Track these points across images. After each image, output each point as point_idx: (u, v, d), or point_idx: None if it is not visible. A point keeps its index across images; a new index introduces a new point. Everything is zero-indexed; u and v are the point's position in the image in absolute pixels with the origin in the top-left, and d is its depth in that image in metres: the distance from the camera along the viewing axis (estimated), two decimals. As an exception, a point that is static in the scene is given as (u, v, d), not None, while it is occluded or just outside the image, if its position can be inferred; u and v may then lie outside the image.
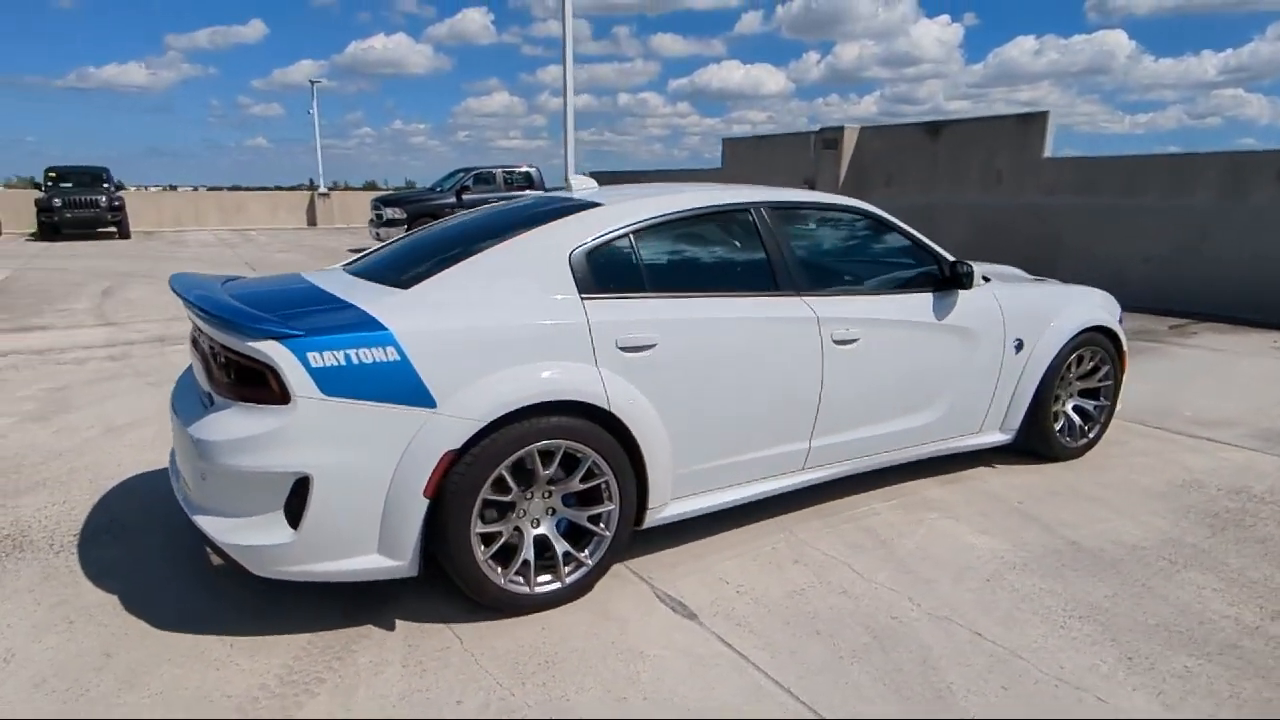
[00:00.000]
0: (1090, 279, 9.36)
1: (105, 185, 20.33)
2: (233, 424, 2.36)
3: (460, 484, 2.47)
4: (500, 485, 2.57)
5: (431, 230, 3.46)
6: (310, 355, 2.31)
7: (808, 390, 3.16)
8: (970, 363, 3.65)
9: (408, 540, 2.45)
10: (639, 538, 3.11)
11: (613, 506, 2.77)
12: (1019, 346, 3.80)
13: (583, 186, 3.47)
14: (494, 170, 16.75)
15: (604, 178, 16.25)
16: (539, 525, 2.73)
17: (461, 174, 16.69)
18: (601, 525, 2.78)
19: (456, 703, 2.23)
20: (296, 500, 2.35)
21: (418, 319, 2.48)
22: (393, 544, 2.45)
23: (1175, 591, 2.82)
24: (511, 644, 2.51)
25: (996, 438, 3.91)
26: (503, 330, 2.56)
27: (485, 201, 15.01)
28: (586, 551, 2.78)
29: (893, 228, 3.60)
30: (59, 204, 18.94)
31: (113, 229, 19.65)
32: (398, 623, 2.62)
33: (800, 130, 13.96)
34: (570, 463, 2.69)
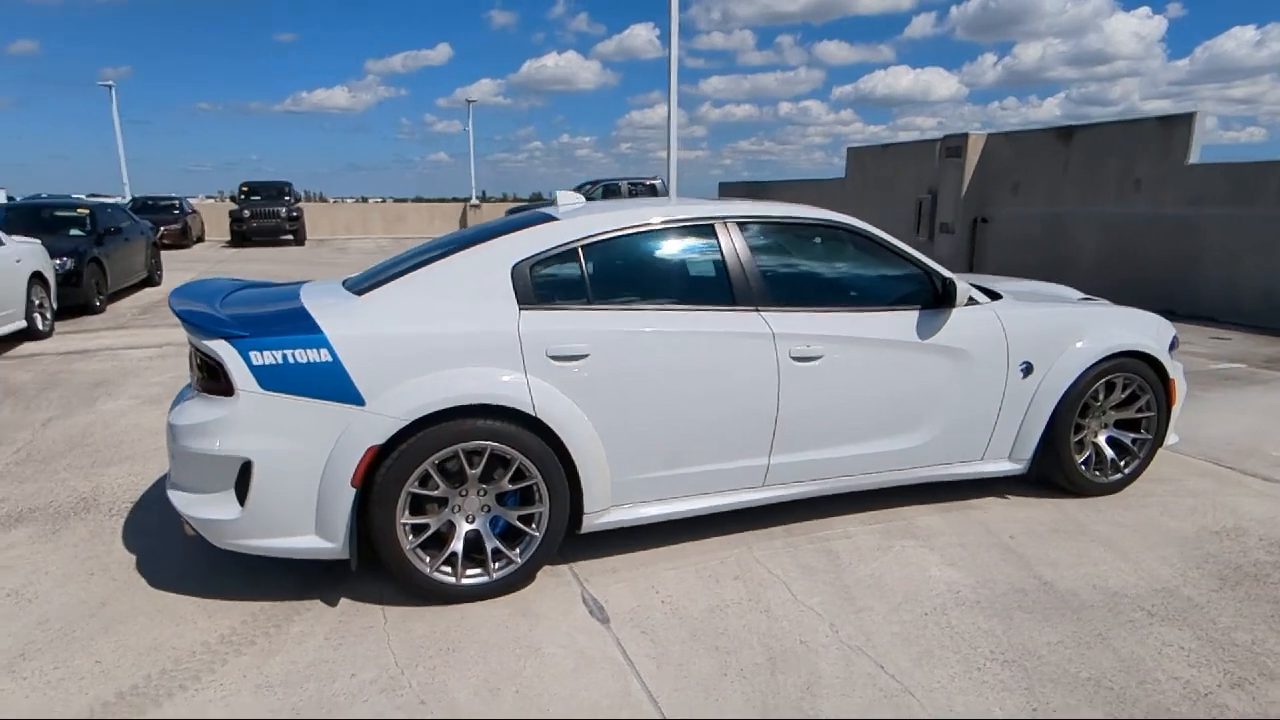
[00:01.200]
0: (1237, 297, 8.37)
1: (286, 198, 22.81)
2: (194, 412, 2.72)
3: (386, 476, 2.69)
4: (428, 480, 2.76)
5: (425, 244, 3.73)
6: (252, 354, 2.61)
7: (762, 406, 3.14)
8: (965, 386, 3.45)
9: (339, 525, 2.70)
10: (592, 541, 3.22)
11: (543, 509, 2.90)
12: (1027, 370, 3.55)
13: (568, 203, 3.62)
14: (619, 181, 17.24)
15: (734, 189, 16.34)
16: (473, 521, 2.91)
17: (588, 185, 17.30)
18: (533, 526, 2.92)
19: (350, 675, 2.44)
20: (243, 482, 2.67)
21: (352, 325, 2.73)
22: (326, 527, 2.70)
23: (1132, 646, 2.56)
24: (426, 629, 2.70)
25: (1004, 467, 3.66)
26: (434, 337, 2.77)
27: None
28: (517, 550, 2.92)
29: (879, 243, 3.48)
30: (247, 215, 21.47)
31: (290, 236, 21.96)
32: (342, 600, 2.89)
33: (926, 138, 13.35)
34: (502, 464, 2.85)
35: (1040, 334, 3.58)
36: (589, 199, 13.55)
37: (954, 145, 12.05)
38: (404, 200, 32.49)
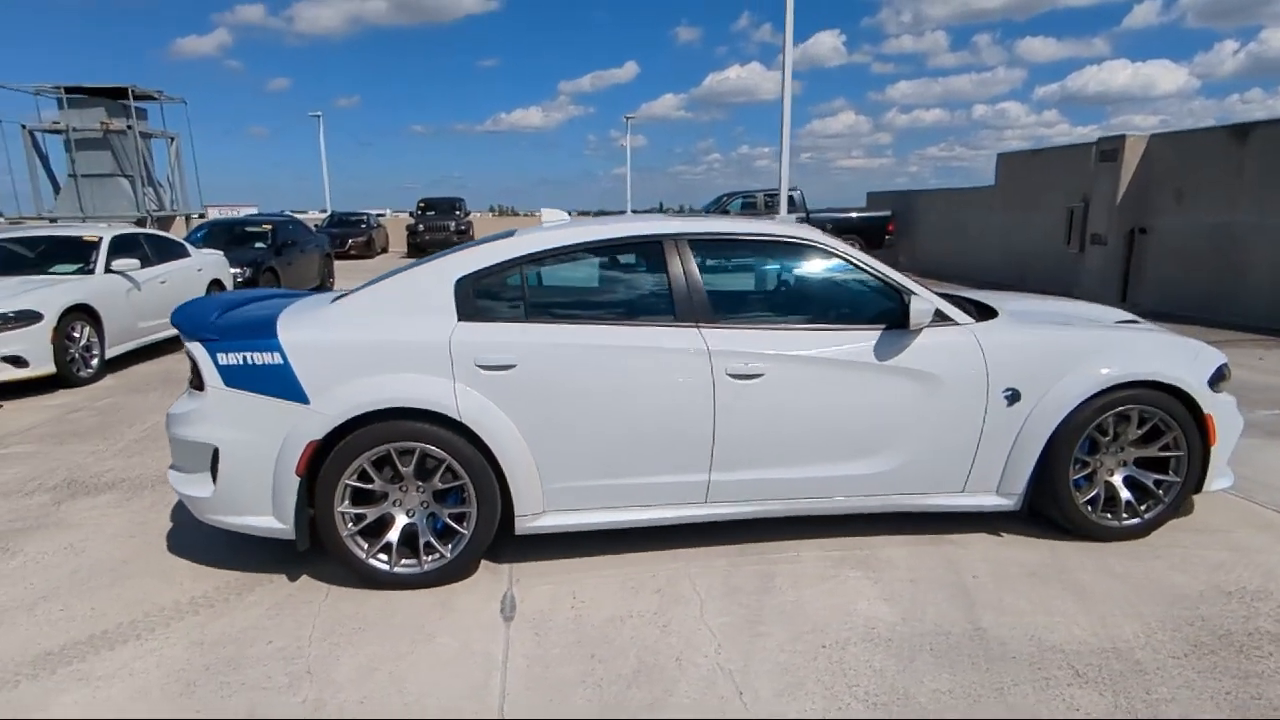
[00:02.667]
0: None
1: (457, 212, 24.76)
2: (182, 404, 3.17)
3: (327, 469, 3.00)
4: (365, 475, 3.04)
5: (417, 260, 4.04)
6: (219, 355, 3.02)
7: (697, 422, 3.14)
8: (934, 412, 3.24)
9: (288, 508, 3.04)
10: (542, 544, 3.38)
11: (471, 509, 3.09)
12: (1012, 398, 3.26)
13: (552, 220, 3.79)
14: (756, 193, 17.15)
15: (882, 198, 15.82)
16: (413, 516, 3.16)
17: (725, 197, 17.36)
18: (463, 525, 3.12)
19: (268, 642, 2.76)
20: (214, 465, 3.08)
21: (305, 332, 3.07)
22: (280, 510, 3.06)
23: (1031, 704, 2.32)
24: (353, 609, 2.98)
25: (991, 501, 3.38)
26: (374, 344, 3.04)
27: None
28: (449, 546, 3.13)
29: (844, 259, 3.35)
30: (421, 228, 23.53)
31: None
32: (302, 577, 3.23)
33: (1081, 141, 12.19)
34: (437, 464, 3.07)
35: (1029, 359, 3.28)
36: (724, 212, 13.61)
37: (1108, 148, 10.93)
38: (586, 212, 34.00)
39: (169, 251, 9.34)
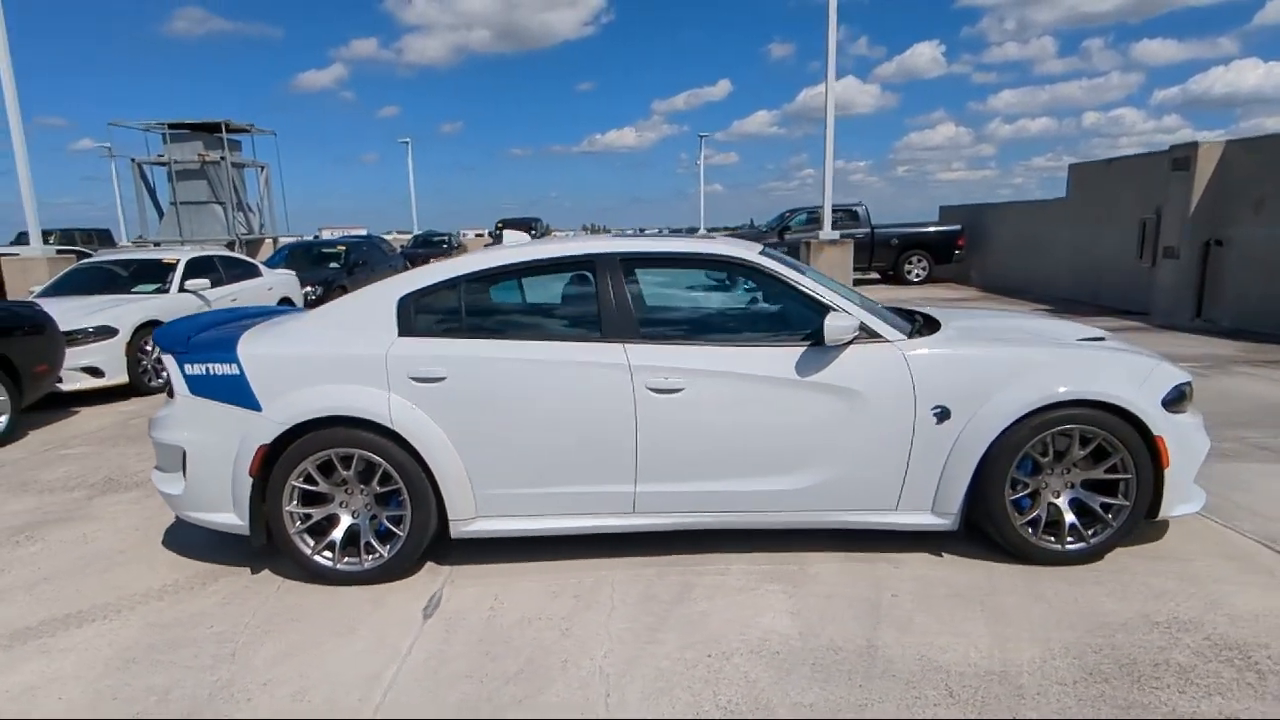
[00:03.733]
0: None
1: (532, 231, 25.49)
2: (160, 409, 3.52)
3: (276, 471, 3.27)
4: (311, 477, 3.30)
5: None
6: (186, 365, 3.35)
7: (619, 435, 3.25)
8: (859, 428, 3.23)
9: (245, 507, 3.32)
10: (486, 548, 3.56)
11: (405, 513, 3.30)
12: (942, 416, 3.22)
13: (511, 240, 3.99)
14: (819, 209, 16.95)
15: (955, 212, 15.44)
16: (357, 517, 3.39)
17: (788, 213, 17.25)
18: (400, 527, 3.33)
19: (209, 627, 3.03)
20: (184, 465, 3.40)
21: (261, 346, 3.36)
22: (239, 507, 3.34)
23: (886, 721, 2.31)
24: (295, 601, 3.22)
25: (926, 520, 3.33)
26: (321, 357, 3.30)
27: (803, 240, 15.40)
28: (388, 547, 3.34)
29: (771, 276, 3.39)
30: (498, 247, 24.35)
31: (533, 267, 24.49)
32: (264, 571, 3.51)
33: (1157, 149, 11.54)
34: (375, 470, 3.30)
35: (958, 377, 3.23)
36: (787, 226, 13.44)
37: (1180, 157, 10.31)
38: (678, 231, 34.33)
39: (241, 272, 10.10)
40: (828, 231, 10.81)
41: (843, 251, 10.38)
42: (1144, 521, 3.32)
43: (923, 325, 3.65)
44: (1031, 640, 2.73)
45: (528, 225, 26.18)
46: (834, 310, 3.26)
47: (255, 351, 3.33)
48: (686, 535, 3.52)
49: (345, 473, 3.30)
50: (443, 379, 3.25)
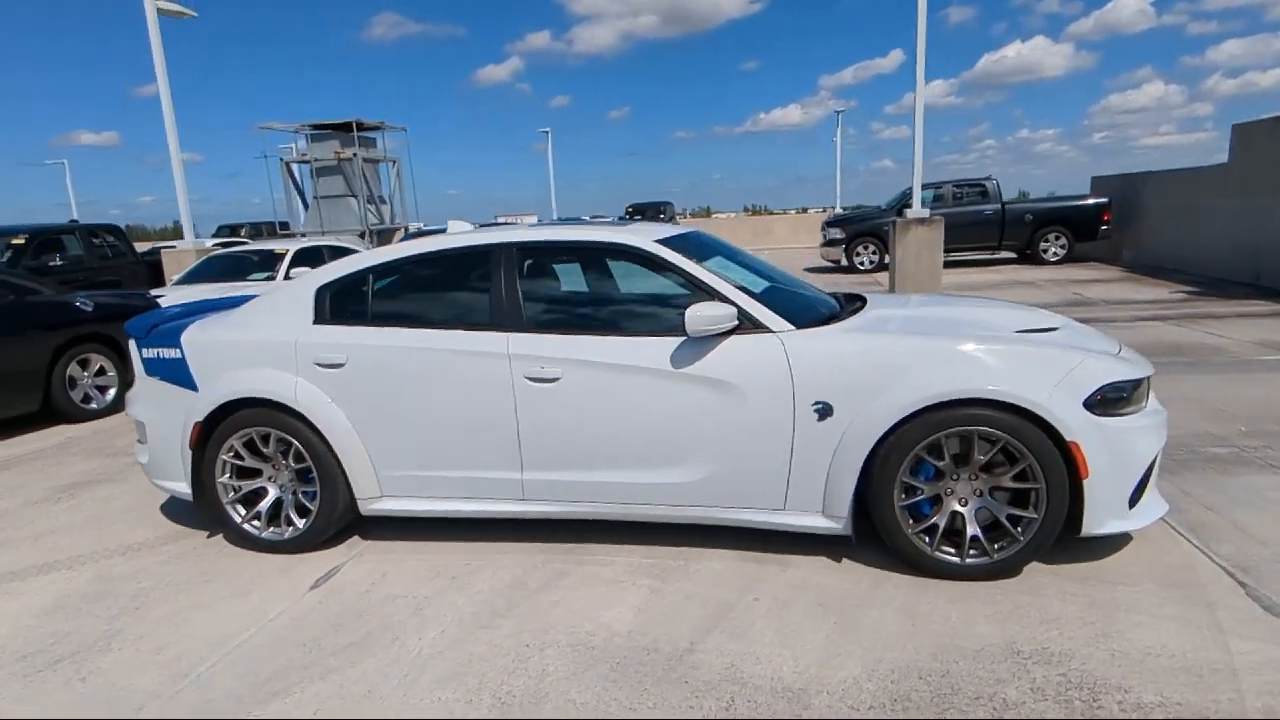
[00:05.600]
0: None
1: (661, 215, 25.67)
2: (131, 388, 3.97)
3: (209, 446, 3.62)
4: (239, 453, 3.61)
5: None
6: (143, 350, 3.76)
7: (502, 422, 3.30)
8: (737, 424, 3.08)
9: (189, 477, 3.70)
10: (407, 526, 3.73)
11: (315, 489, 3.54)
12: (824, 413, 3.00)
13: (457, 229, 4.11)
14: (944, 184, 15.85)
15: (1108, 182, 14.10)
16: (283, 490, 3.67)
17: (908, 191, 16.24)
18: (313, 503, 3.57)
19: (139, 583, 3.42)
20: (144, 438, 3.84)
21: (202, 332, 3.70)
22: (187, 478, 3.73)
23: (639, 727, 2.23)
24: (221, 565, 3.55)
25: (817, 523, 3.12)
26: (248, 343, 3.59)
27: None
28: (304, 520, 3.60)
29: (663, 264, 3.28)
30: (626, 232, 24.74)
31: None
32: (218, 537, 3.89)
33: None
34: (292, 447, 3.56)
35: (842, 371, 2.98)
36: (908, 205, 12.63)
37: (1354, 110, 8.68)
38: (827, 209, 33.31)
39: (346, 261, 10.97)
40: (916, 209, 10.10)
41: (931, 230, 9.66)
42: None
43: (841, 314, 3.40)
44: (861, 659, 2.51)
45: (657, 209, 26.36)
46: (712, 300, 3.12)
47: (195, 338, 3.68)
48: (595, 525, 3.52)
49: (266, 449, 3.58)
50: (342, 365, 3.44)
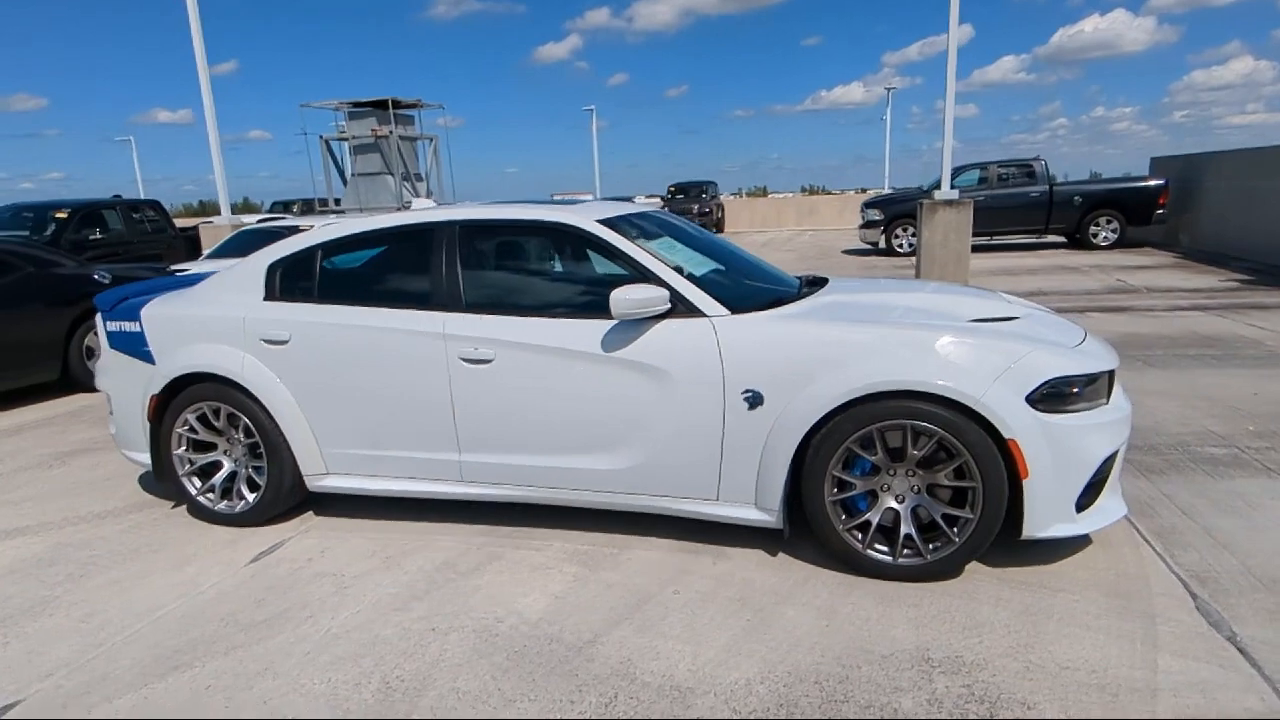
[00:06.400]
0: None
1: (703, 195, 25.40)
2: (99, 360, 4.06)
3: (165, 418, 3.68)
4: (193, 427, 3.66)
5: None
6: (109, 324, 3.83)
7: (439, 403, 3.27)
8: (668, 411, 2.98)
9: (149, 448, 3.78)
10: (366, 503, 3.74)
11: (263, 464, 3.57)
12: (754, 401, 2.88)
13: (420, 207, 4.07)
14: (989, 165, 15.24)
15: (1168, 164, 13.62)
16: (237, 464, 3.72)
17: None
18: (262, 477, 3.60)
19: (92, 550, 3.50)
20: (110, 409, 3.92)
21: (159, 308, 3.75)
22: (148, 450, 3.81)
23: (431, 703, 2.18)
24: (172, 535, 3.62)
25: (751, 515, 3.01)
26: (201, 319, 3.63)
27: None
28: (254, 495, 3.64)
29: (601, 245, 3.18)
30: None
31: (701, 230, 24.38)
32: (182, 508, 3.97)
33: None
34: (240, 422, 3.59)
35: (774, 358, 2.85)
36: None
37: None
38: (865, 190, 32.65)
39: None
40: (945, 191, 9.69)
41: (959, 213, 9.26)
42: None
43: (790, 299, 3.26)
44: (762, 660, 2.41)
45: (700, 189, 26.04)
46: (645, 282, 3.01)
47: (153, 313, 3.73)
48: (540, 509, 3.48)
49: (218, 424, 3.63)
50: (286, 342, 3.44)
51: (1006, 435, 2.63)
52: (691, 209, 24.30)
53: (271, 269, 3.62)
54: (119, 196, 12.44)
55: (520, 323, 3.18)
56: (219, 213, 11.88)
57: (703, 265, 3.41)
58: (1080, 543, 3.04)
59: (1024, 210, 14.61)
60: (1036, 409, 2.66)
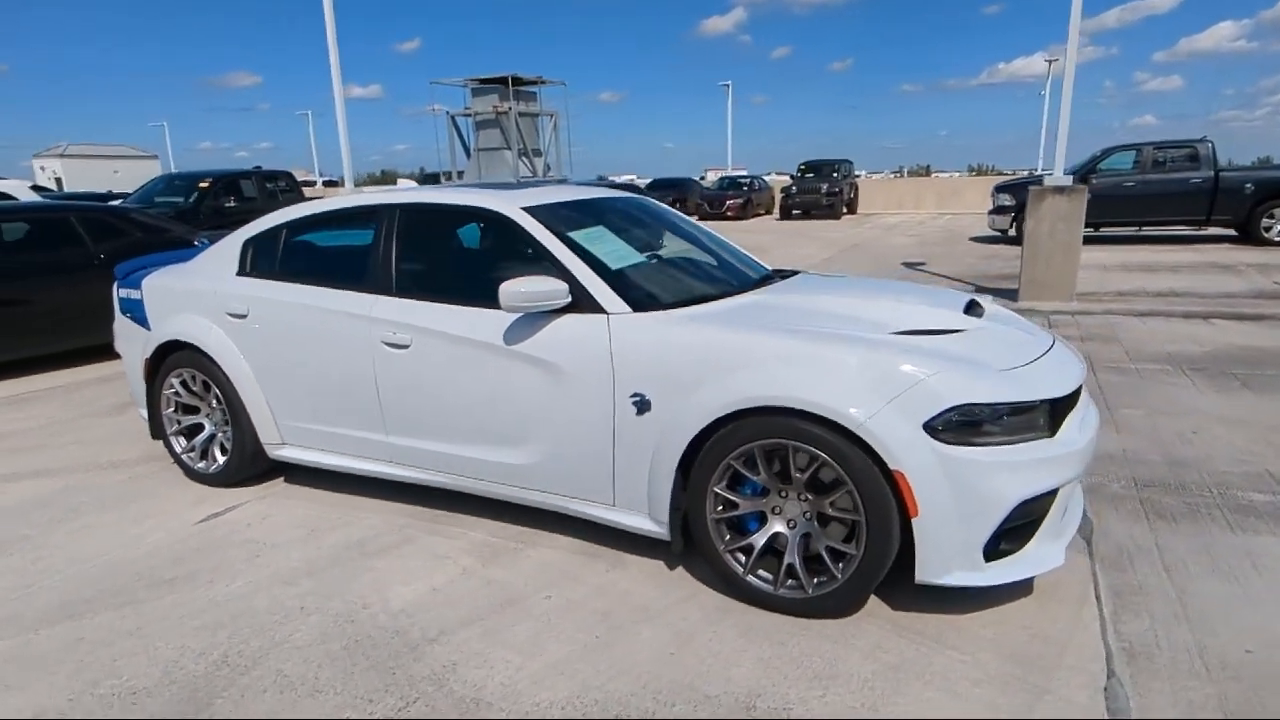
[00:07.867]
0: None
1: (834, 174, 24.37)
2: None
3: (156, 381, 3.98)
4: (178, 390, 3.94)
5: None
6: (121, 291, 4.17)
7: (364, 385, 3.32)
8: (562, 408, 2.87)
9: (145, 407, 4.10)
10: (326, 477, 3.88)
11: (229, 429, 3.78)
12: (641, 406, 2.70)
13: (404, 187, 4.13)
14: (1144, 146, 13.56)
15: None
16: (217, 428, 3.96)
17: (1100, 154, 14.12)
18: (228, 442, 3.82)
19: (78, 501, 3.85)
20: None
21: (157, 278, 4.03)
22: (145, 408, 4.14)
23: (310, 706, 2.18)
24: (150, 489, 3.92)
25: (644, 524, 2.84)
26: (186, 290, 3.87)
27: (1117, 188, 12.68)
28: (224, 458, 3.87)
29: (523, 234, 3.07)
30: (794, 191, 23.77)
31: (828, 210, 23.44)
32: (175, 467, 4.28)
33: None
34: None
35: (663, 362, 2.65)
36: (1094, 170, 11.44)
37: None
38: (1004, 173, 30.36)
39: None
40: (1057, 176, 8.66)
41: (1071, 202, 8.25)
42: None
43: (729, 295, 3.04)
44: (582, 682, 2.27)
45: (833, 168, 24.92)
46: (546, 275, 2.89)
47: (152, 283, 4.02)
48: (474, 497, 3.47)
49: (194, 388, 3.87)
50: (245, 316, 3.61)
51: (892, 466, 2.32)
52: (819, 188, 23.43)
53: (245, 245, 3.79)
54: (259, 168, 13.55)
55: (436, 309, 3.15)
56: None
57: (633, 258, 3.23)
58: (1018, 590, 2.65)
59: (1182, 198, 12.92)
60: (937, 439, 2.32)
